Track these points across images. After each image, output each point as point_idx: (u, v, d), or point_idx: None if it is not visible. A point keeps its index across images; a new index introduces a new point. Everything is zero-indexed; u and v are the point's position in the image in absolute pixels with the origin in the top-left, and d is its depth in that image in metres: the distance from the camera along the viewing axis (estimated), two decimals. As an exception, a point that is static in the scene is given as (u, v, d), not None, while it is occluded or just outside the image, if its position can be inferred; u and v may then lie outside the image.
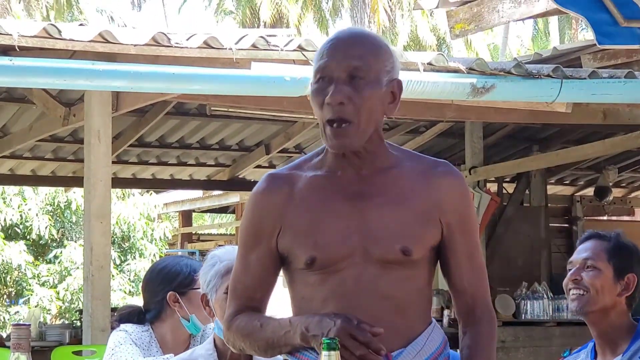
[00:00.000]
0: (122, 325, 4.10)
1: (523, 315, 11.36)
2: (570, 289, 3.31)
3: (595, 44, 6.54)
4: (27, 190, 17.55)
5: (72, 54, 5.92)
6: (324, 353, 2.07)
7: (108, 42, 5.68)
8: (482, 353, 2.56)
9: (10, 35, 5.46)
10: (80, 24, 6.39)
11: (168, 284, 3.95)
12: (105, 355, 4.01)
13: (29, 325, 2.06)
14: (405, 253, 2.47)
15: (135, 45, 5.71)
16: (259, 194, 2.60)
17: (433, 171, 2.57)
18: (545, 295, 11.42)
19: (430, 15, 27.14)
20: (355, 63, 2.44)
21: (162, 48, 5.76)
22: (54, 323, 14.61)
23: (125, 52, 5.78)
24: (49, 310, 17.47)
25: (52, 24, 5.73)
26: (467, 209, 2.60)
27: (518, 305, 11.41)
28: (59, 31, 5.62)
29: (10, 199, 17.64)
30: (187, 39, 5.83)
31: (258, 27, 26.73)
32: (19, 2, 26.77)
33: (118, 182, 12.24)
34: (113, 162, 8.80)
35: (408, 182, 2.54)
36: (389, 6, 27.72)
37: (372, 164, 2.54)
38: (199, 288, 3.53)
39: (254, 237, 2.60)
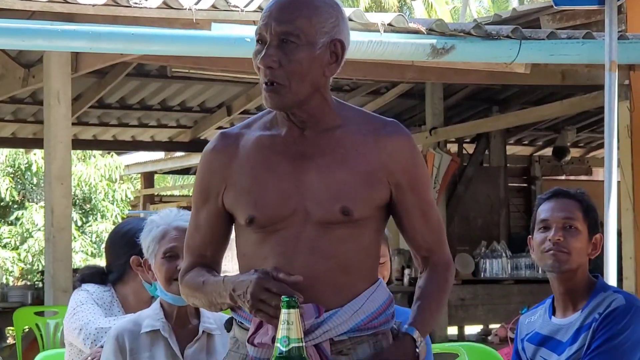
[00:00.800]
0: (84, 286, 4.09)
1: (482, 274, 11.50)
2: (549, 249, 3.28)
3: (545, 7, 6.56)
4: (-11, 152, 17.44)
5: (31, 15, 5.85)
6: (284, 311, 2.07)
7: (67, 2, 5.62)
8: (432, 294, 2.58)
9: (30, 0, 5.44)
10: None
11: (132, 248, 3.92)
12: (67, 314, 4.00)
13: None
14: (345, 213, 2.45)
15: (94, 6, 5.65)
16: (208, 152, 2.61)
17: (381, 131, 2.54)
18: (504, 254, 11.54)
19: (391, -24, 27.05)
20: (285, 27, 2.43)
21: (121, 8, 5.71)
22: (16, 285, 14.56)
23: (84, 13, 5.72)
24: (11, 272, 17.41)
25: (10, -16, 5.66)
26: (417, 168, 2.57)
27: (477, 264, 11.54)
28: (17, -9, 5.56)
29: (-30, 162, 17.54)
30: (146, 0, 5.78)
31: (219, -12, 26.52)
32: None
33: (78, 144, 12.18)
34: (73, 124, 8.75)
35: (354, 142, 2.52)
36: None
37: (317, 124, 2.52)
38: None
39: (203, 195, 2.61)
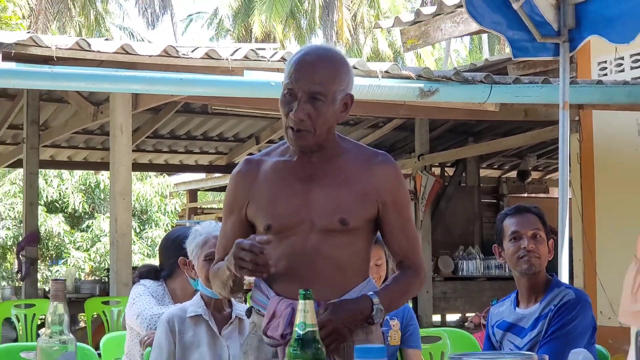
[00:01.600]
0: (142, 281, 4.11)
1: (460, 272, 11.45)
2: (523, 255, 3.25)
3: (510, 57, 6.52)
4: (65, 172, 17.47)
5: (100, 63, 5.87)
6: (301, 302, 2.05)
7: (128, 53, 5.63)
8: (399, 283, 2.56)
9: (50, 47, 5.43)
10: (106, 39, 6.34)
11: (179, 251, 3.94)
12: (128, 303, 4.01)
13: (65, 280, 2.05)
14: (342, 223, 2.46)
15: (150, 56, 5.67)
16: (235, 175, 2.63)
17: (373, 160, 2.54)
18: (477, 257, 11.50)
19: (388, 32, 27.08)
20: (316, 89, 2.41)
21: (172, 58, 5.72)
22: (87, 279, 14.54)
23: (143, 62, 5.74)
24: (83, 269, 17.41)
25: (83, 39, 5.67)
26: (399, 191, 2.57)
27: (456, 264, 11.50)
28: (89, 45, 5.57)
29: (51, 180, 17.56)
30: (192, 51, 5.79)
31: (250, 42, 26.58)
32: (55, 21, 26.55)
33: (137, 167, 12.14)
34: (133, 151, 8.74)
35: (351, 168, 2.52)
36: (352, 26, 27.67)
37: (323, 154, 2.52)
38: None
39: (229, 209, 2.62)
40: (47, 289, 10.14)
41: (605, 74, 8.40)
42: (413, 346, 4.00)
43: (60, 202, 17.92)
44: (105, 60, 5.78)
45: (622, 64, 8.33)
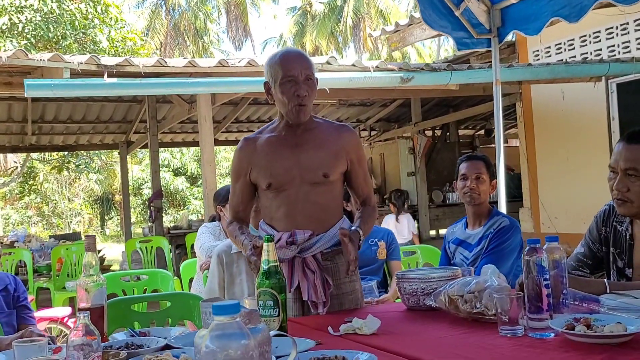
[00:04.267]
0: (205, 223, 4.03)
1: (447, 201, 11.17)
2: (466, 192, 3.01)
3: (474, 51, 6.12)
4: (184, 148, 17.55)
5: (190, 74, 5.61)
6: (265, 244, 1.81)
7: (195, 66, 5.39)
8: (366, 216, 2.35)
9: (139, 66, 5.24)
10: (184, 58, 6.09)
11: (217, 202, 3.81)
12: (195, 240, 3.90)
13: (94, 236, 1.82)
14: (325, 176, 2.26)
15: (209, 67, 5.42)
16: (238, 150, 2.40)
17: (340, 129, 2.35)
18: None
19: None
20: (308, 72, 2.23)
21: (226, 68, 5.47)
22: (200, 219, 14.60)
23: (206, 71, 5.49)
24: (200, 212, 17.53)
25: (162, 59, 5.43)
26: (360, 151, 2.38)
27: (444, 195, 11.20)
28: (166, 62, 5.34)
29: (176, 154, 17.68)
30: (239, 62, 5.52)
31: (304, 54, 26.09)
32: (176, 49, 26.60)
33: (225, 143, 12.08)
34: (222, 132, 8.51)
35: (325, 136, 2.31)
36: (373, 39, 26.94)
37: (304, 126, 2.31)
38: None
39: (237, 175, 2.39)
40: (170, 226, 10.10)
41: (538, 59, 7.92)
42: (395, 258, 3.81)
43: (182, 168, 18.02)
44: (193, 72, 5.49)
45: (549, 51, 7.82)
